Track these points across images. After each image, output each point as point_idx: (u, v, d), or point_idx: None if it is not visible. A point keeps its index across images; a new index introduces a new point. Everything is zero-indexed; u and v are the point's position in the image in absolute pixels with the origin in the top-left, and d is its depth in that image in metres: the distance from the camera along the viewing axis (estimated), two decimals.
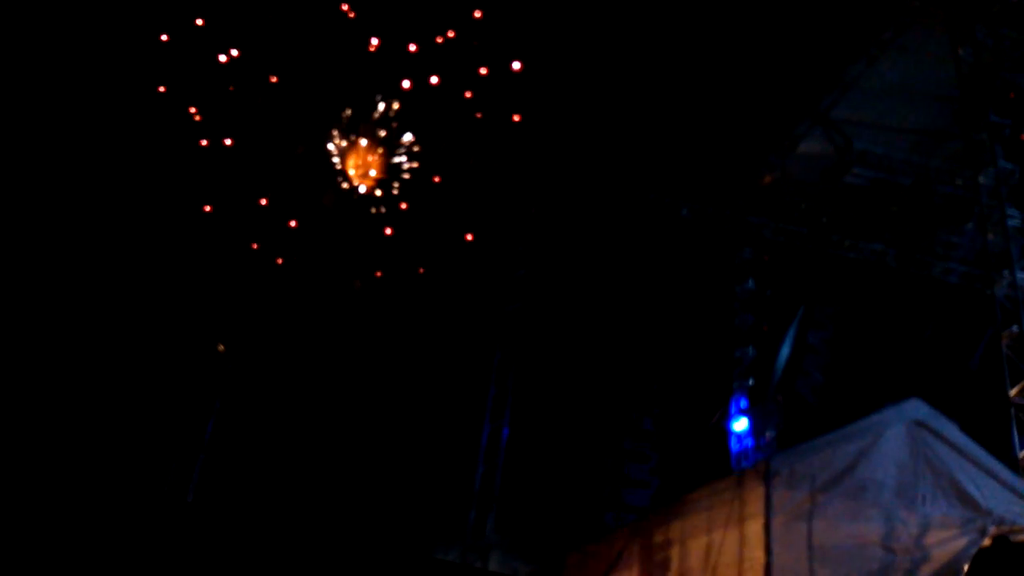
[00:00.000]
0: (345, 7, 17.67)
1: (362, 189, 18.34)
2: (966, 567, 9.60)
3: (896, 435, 9.87)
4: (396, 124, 17.96)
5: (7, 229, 16.59)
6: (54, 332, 16.49)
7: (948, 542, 9.62)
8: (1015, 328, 13.65)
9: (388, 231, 18.63)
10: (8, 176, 16.64)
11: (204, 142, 17.93)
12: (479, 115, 18.28)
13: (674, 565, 10.79)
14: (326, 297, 18.79)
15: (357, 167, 18.37)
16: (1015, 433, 13.13)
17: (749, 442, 19.24)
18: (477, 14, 17.53)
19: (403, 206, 18.81)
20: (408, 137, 18.28)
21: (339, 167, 18.53)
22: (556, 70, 18.70)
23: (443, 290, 19.20)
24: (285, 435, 17.20)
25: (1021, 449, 13.02)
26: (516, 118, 18.29)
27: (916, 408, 10.06)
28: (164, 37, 17.70)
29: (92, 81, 17.13)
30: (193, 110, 18.00)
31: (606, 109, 19.17)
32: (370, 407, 18.18)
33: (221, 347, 14.03)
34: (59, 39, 16.94)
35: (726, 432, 19.71)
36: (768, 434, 18.83)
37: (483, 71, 18.10)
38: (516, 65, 17.90)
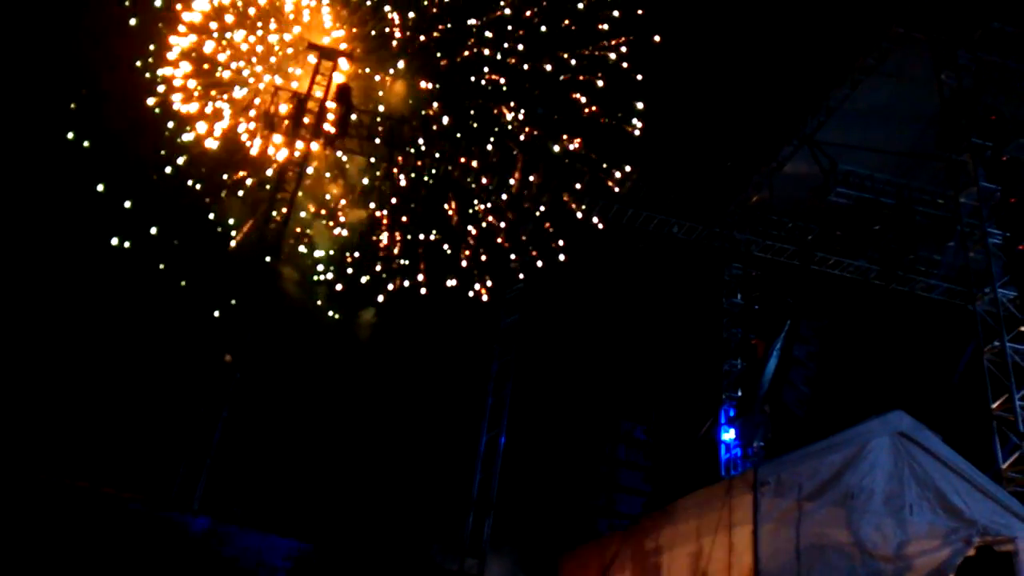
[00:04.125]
0: None
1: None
2: None
3: (881, 446, 10.08)
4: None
5: (23, 244, 16.73)
6: (69, 342, 16.59)
7: (933, 551, 9.79)
8: (997, 343, 13.98)
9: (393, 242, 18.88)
10: (20, 193, 16.80)
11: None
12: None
13: (665, 570, 10.94)
14: (332, 310, 19.03)
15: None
16: (997, 445, 13.43)
17: (738, 451, 19.50)
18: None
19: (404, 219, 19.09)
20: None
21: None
22: (555, 89, 19.10)
23: (442, 303, 19.43)
24: (290, 443, 17.32)
25: (1004, 460, 13.31)
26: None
27: (900, 420, 10.28)
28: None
29: (100, 90, 17.32)
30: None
31: (598, 130, 19.55)
32: (372, 416, 18.31)
33: (228, 357, 14.16)
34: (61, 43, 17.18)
35: (716, 442, 19.96)
36: (756, 444, 19.05)
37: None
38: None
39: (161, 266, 17.49)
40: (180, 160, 18.20)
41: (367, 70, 18.87)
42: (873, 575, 9.56)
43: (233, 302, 15.19)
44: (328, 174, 19.58)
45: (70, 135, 17.40)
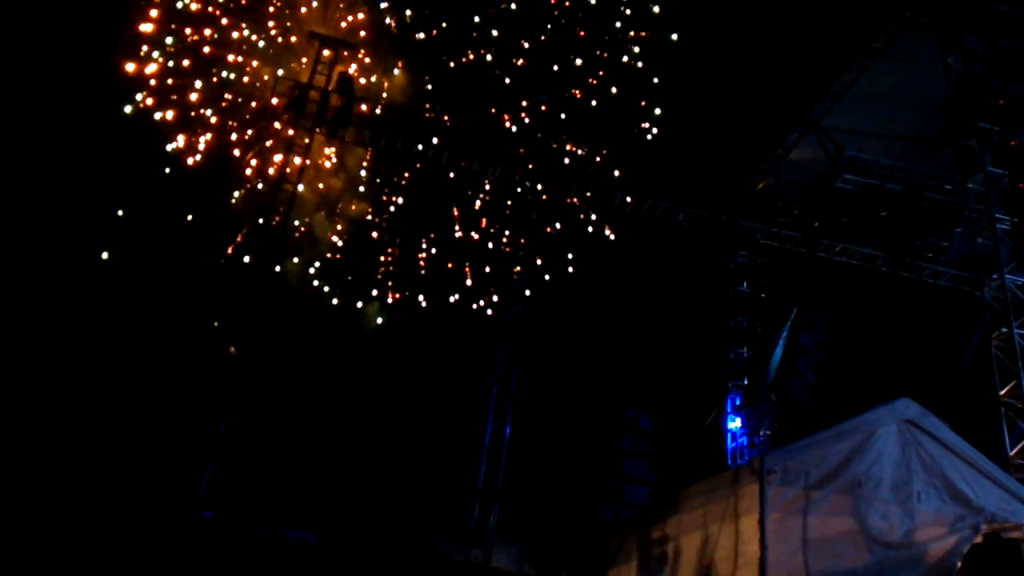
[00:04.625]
0: None
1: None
2: (959, 563, 9.80)
3: (888, 433, 10.10)
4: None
5: (26, 239, 16.69)
6: (73, 335, 16.63)
7: (941, 539, 9.85)
8: (1004, 329, 13.92)
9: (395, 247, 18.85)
10: (32, 187, 16.70)
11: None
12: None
13: (671, 559, 10.97)
14: (336, 301, 18.98)
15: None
16: (1005, 432, 13.40)
17: (744, 440, 19.49)
18: None
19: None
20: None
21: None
22: (558, 80, 19.02)
23: (447, 292, 19.43)
24: (295, 435, 17.36)
25: (1011, 448, 13.28)
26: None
27: (907, 407, 10.29)
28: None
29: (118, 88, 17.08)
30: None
31: (603, 116, 19.49)
32: (377, 407, 18.35)
33: (232, 349, 14.17)
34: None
35: (722, 430, 19.95)
36: (762, 432, 19.02)
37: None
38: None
39: (163, 265, 17.33)
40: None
41: (367, 59, 18.65)
42: (880, 563, 9.61)
43: (236, 293, 15.15)
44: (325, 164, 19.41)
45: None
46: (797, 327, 19.22)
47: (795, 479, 9.58)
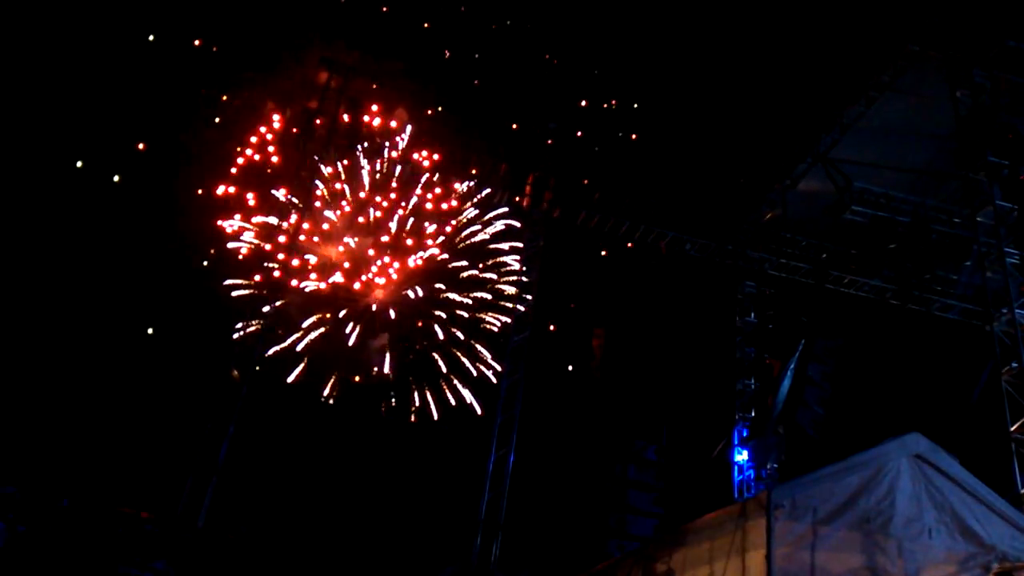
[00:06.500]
0: None
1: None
2: None
3: (898, 468, 9.93)
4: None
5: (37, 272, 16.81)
6: (77, 357, 16.67)
7: None
8: (1015, 364, 13.78)
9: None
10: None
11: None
12: None
13: None
14: (338, 327, 19.02)
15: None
16: (1016, 468, 13.21)
17: (751, 473, 19.28)
18: None
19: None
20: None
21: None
22: (571, 107, 19.17)
23: (451, 319, 19.45)
24: (297, 460, 17.28)
25: (1022, 485, 13.08)
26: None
27: (916, 442, 10.13)
28: None
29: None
30: None
31: (610, 147, 19.61)
32: (380, 432, 18.28)
33: (235, 373, 14.16)
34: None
35: (729, 463, 19.76)
36: (770, 465, 18.84)
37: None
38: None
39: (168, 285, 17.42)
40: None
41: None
42: None
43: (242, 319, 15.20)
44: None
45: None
46: (805, 359, 19.11)
47: (803, 514, 9.42)
